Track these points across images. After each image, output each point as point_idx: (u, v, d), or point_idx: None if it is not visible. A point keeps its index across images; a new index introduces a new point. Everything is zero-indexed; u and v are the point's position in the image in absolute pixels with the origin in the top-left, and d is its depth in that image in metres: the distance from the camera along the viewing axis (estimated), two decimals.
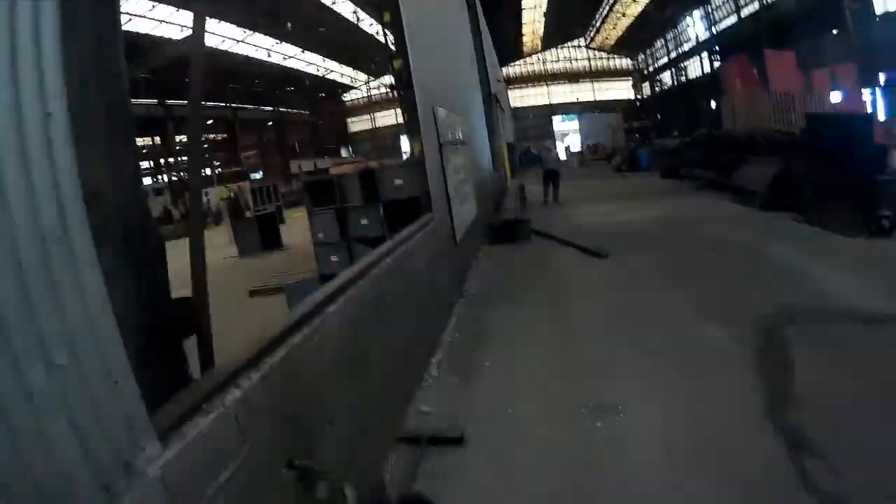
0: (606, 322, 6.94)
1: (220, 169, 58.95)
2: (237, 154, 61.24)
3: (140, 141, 53.70)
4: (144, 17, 36.98)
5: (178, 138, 51.77)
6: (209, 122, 57.18)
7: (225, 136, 61.99)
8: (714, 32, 46.93)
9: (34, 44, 1.61)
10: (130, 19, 36.69)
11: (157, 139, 53.78)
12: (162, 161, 53.63)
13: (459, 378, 5.81)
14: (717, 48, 45.52)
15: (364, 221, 8.78)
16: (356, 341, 4.00)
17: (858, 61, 25.12)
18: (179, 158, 52.64)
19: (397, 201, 8.54)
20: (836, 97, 23.10)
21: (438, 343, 6.72)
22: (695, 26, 51.12)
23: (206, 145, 59.30)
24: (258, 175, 56.81)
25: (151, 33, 39.91)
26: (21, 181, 1.55)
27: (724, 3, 44.42)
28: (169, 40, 41.01)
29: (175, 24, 39.96)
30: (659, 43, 62.43)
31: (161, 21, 38.93)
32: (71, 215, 1.72)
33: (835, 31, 30.44)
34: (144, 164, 56.21)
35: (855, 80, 24.21)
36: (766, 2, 37.72)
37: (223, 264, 17.72)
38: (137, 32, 38.29)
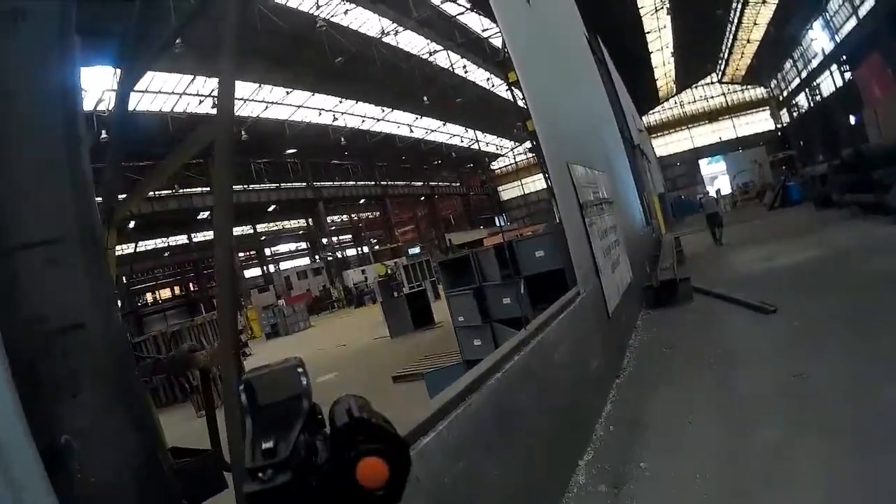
0: (787, 406, 5.59)
1: (377, 246, 60.87)
2: (391, 231, 62.97)
3: (294, 223, 56.70)
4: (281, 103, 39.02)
5: (329, 219, 53.92)
6: (361, 200, 59.43)
7: (377, 213, 64.04)
8: (838, 40, 41.34)
9: None
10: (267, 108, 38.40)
11: (310, 220, 56.38)
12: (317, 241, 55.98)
13: (609, 487, 4.76)
14: (844, 57, 40.24)
15: (506, 300, 8.01)
16: (489, 443, 3.51)
17: None
18: (333, 239, 54.84)
19: (540, 275, 7.73)
20: None
21: (590, 438, 5.71)
22: (818, 39, 45.68)
23: (360, 224, 61.65)
24: (416, 250, 57.86)
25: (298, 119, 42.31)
26: None
27: (841, 6, 39.10)
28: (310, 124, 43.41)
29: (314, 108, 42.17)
30: (788, 64, 57.42)
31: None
32: None
33: None
34: (302, 245, 59.18)
35: None
36: None
37: (374, 345, 17.75)
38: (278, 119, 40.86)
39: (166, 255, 49.26)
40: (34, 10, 2.13)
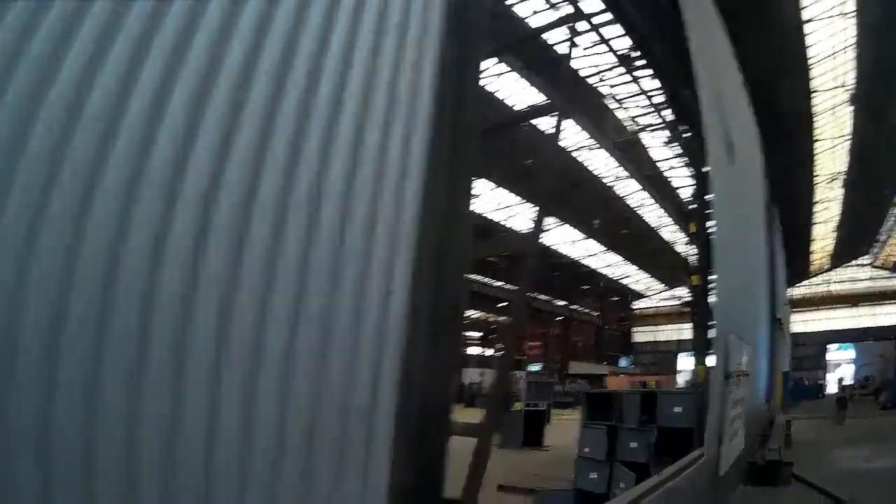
0: None
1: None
2: (522, 342, 62.47)
3: None
4: None
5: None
6: (499, 304, 59.76)
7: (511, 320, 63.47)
8: None
9: None
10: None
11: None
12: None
13: None
14: None
15: (633, 445, 8.25)
16: None
17: None
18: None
19: (672, 429, 7.98)
20: None
21: None
22: None
23: (492, 326, 61.75)
24: (537, 367, 57.20)
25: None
26: None
27: None
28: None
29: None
30: None
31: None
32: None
33: None
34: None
35: None
36: None
37: None
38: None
39: None
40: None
